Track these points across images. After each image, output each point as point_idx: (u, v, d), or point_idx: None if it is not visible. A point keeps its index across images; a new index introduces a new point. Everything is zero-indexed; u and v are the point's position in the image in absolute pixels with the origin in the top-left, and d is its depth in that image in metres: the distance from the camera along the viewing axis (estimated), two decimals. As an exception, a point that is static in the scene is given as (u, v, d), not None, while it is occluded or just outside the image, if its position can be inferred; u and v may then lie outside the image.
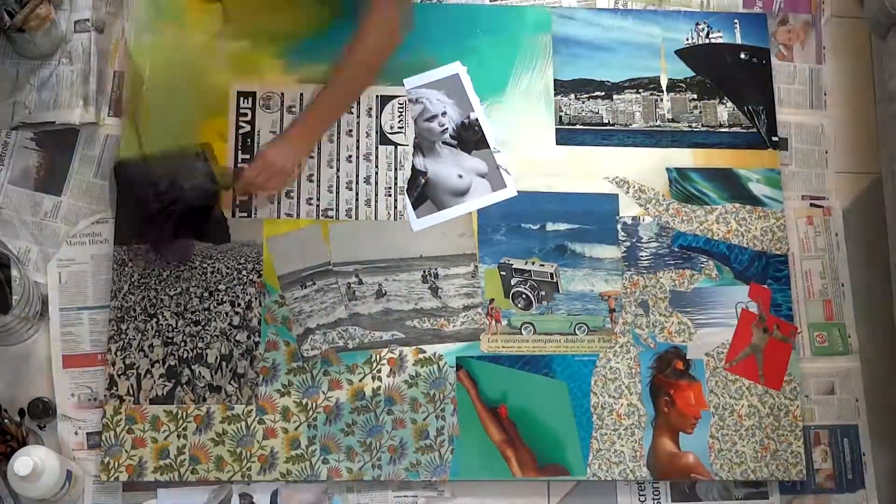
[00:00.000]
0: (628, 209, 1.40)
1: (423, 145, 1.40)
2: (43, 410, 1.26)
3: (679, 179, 1.41)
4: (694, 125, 1.44)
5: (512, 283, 1.36)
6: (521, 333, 1.34)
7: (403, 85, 1.41)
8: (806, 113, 1.47)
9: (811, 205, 1.43)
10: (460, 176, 1.39)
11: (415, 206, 1.37)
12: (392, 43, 1.22)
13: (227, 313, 1.32)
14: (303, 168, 1.32)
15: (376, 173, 1.39)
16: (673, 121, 1.44)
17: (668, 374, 1.34)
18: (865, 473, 1.35)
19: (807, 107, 1.47)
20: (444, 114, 1.41)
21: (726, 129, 1.44)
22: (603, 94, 1.44)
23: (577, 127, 1.42)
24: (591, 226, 1.38)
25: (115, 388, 1.28)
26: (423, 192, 1.38)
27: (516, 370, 1.32)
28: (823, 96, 1.48)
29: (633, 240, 1.38)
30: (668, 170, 1.42)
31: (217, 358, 1.30)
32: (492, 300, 1.35)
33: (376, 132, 1.40)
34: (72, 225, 1.34)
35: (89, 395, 1.29)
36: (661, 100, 1.44)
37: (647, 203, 1.40)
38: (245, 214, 1.36)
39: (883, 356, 1.39)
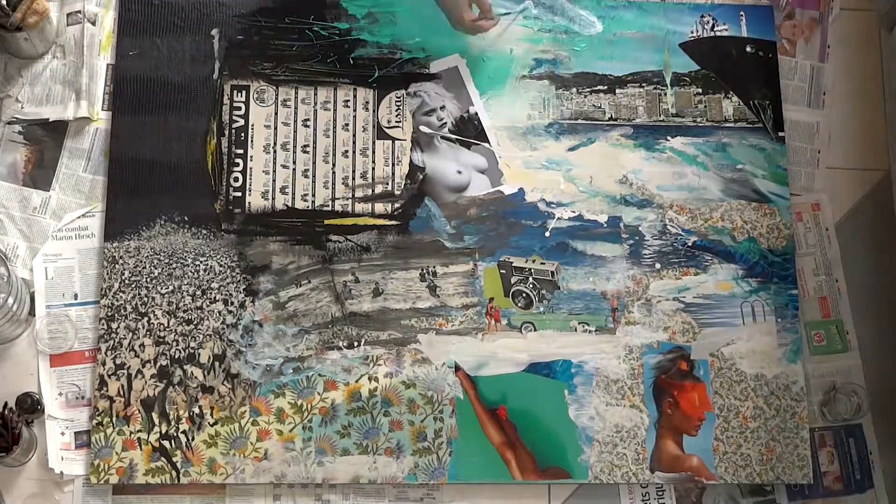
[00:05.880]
0: (631, 206, 1.37)
1: (421, 140, 1.38)
2: (31, 405, 1.24)
3: (682, 175, 1.39)
4: (699, 120, 1.41)
5: (512, 282, 1.33)
6: (522, 333, 1.32)
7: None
8: (802, 110, 1.45)
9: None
10: (459, 171, 1.37)
11: (412, 204, 1.35)
12: None
13: (220, 312, 1.30)
14: None
15: (373, 169, 1.37)
16: (677, 115, 1.41)
17: (672, 375, 1.32)
18: (873, 472, 1.33)
19: (804, 104, 1.45)
20: (442, 107, 1.39)
21: (732, 124, 1.42)
22: (605, 88, 1.41)
23: (580, 121, 1.40)
24: (592, 223, 1.36)
25: (105, 389, 1.26)
26: (420, 188, 1.36)
27: (516, 371, 1.30)
28: (822, 95, 1.46)
29: (637, 237, 1.36)
30: (671, 165, 1.39)
31: (210, 358, 1.28)
32: (491, 299, 1.33)
33: (373, 126, 1.38)
34: (61, 220, 1.32)
35: (77, 394, 1.27)
36: (665, 94, 1.42)
37: (650, 200, 1.38)
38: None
39: (883, 352, 1.37)
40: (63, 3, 1.39)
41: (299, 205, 1.35)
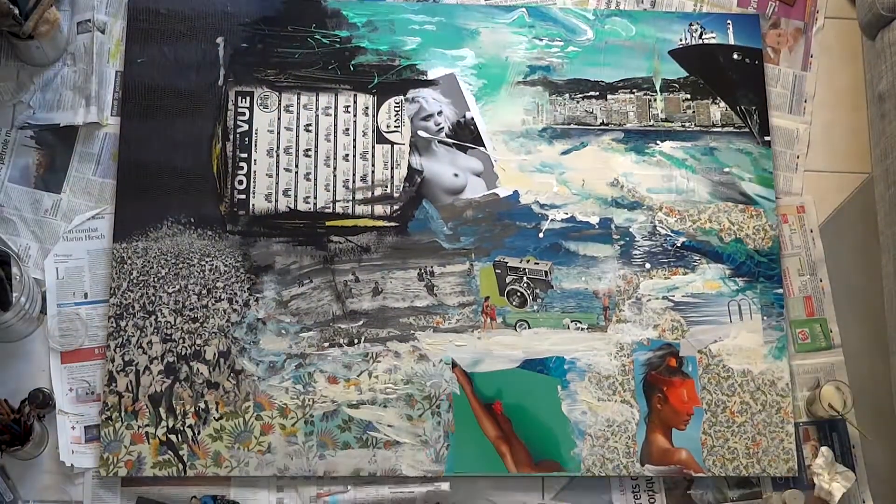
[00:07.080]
0: (622, 208, 1.41)
1: (419, 144, 1.41)
2: (43, 401, 1.28)
3: (672, 178, 1.43)
4: (687, 125, 1.45)
5: (507, 281, 1.37)
6: (516, 331, 1.35)
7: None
8: (784, 116, 1.48)
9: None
10: (456, 175, 1.40)
11: (411, 206, 1.39)
12: None
13: (224, 310, 1.33)
14: None
15: (373, 172, 1.40)
16: (666, 120, 1.45)
17: (662, 371, 1.35)
18: (856, 465, 1.36)
19: (786, 110, 1.49)
20: (440, 113, 1.42)
21: (719, 129, 1.45)
22: (597, 93, 1.45)
23: (572, 126, 1.43)
24: (585, 224, 1.40)
25: (114, 385, 1.29)
26: (419, 191, 1.39)
27: (511, 367, 1.33)
28: (804, 103, 1.49)
29: (628, 238, 1.39)
30: (660, 169, 1.43)
31: (215, 354, 1.31)
32: (487, 298, 1.36)
33: (373, 131, 1.41)
34: (71, 222, 1.36)
35: (87, 389, 1.30)
36: (655, 100, 1.45)
37: (641, 202, 1.41)
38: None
39: (866, 349, 1.40)
40: (73, 12, 1.43)
41: (301, 207, 1.38)
